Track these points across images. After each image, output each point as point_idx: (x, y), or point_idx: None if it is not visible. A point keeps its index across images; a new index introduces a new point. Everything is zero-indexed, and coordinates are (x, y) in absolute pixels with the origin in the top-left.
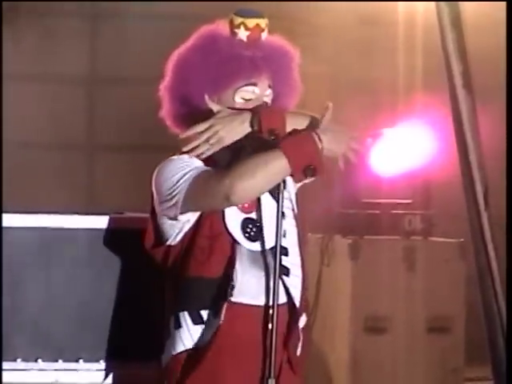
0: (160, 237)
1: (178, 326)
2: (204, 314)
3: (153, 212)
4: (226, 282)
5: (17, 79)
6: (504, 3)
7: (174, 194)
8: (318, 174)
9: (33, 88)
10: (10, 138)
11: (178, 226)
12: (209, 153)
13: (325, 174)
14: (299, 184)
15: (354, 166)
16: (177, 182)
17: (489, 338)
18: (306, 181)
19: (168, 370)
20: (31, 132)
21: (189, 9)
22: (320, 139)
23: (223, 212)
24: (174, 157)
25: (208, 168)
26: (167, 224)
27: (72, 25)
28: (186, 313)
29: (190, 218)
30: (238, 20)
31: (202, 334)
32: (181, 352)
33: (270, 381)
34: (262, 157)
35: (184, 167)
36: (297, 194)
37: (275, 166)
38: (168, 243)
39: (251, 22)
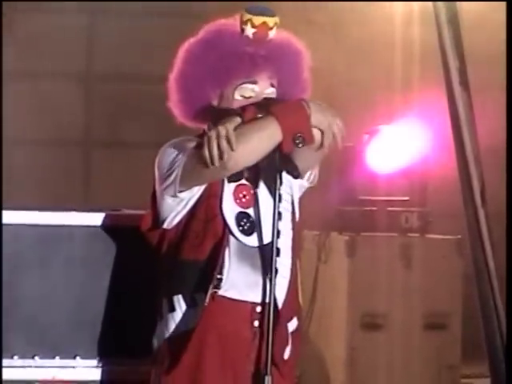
0: (157, 220)
1: (172, 309)
2: (198, 297)
3: (153, 195)
4: (215, 267)
5: (14, 76)
6: (503, 3)
7: (173, 169)
8: (306, 142)
9: (29, 85)
10: (7, 135)
11: (177, 209)
12: (233, 141)
13: (312, 143)
14: (304, 188)
15: (350, 162)
16: (176, 157)
17: (485, 335)
18: (312, 185)
19: (160, 353)
20: (28, 129)
21: (187, 6)
22: (309, 106)
23: (220, 198)
24: (179, 139)
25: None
26: (166, 206)
27: (69, 21)
28: (180, 296)
29: (189, 197)
30: (246, 17)
31: (197, 318)
32: (174, 335)
33: (266, 378)
34: (255, 123)
35: (184, 145)
36: (300, 199)
37: (269, 131)
38: (164, 226)
39: (258, 20)
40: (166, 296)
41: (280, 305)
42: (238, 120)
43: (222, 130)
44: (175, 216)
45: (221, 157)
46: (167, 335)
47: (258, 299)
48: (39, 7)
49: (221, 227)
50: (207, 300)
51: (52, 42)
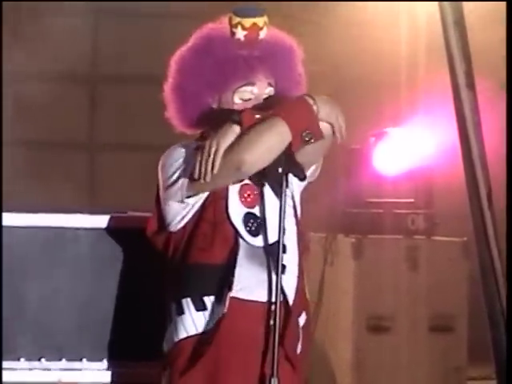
0: (162, 223)
1: (181, 312)
2: (207, 300)
3: (157, 198)
4: (228, 271)
5: (17, 77)
6: (504, 3)
7: (179, 174)
8: (315, 138)
9: (34, 86)
10: (12, 137)
11: (182, 212)
12: (216, 164)
13: (321, 138)
14: (304, 184)
15: (356, 164)
16: (181, 162)
17: (492, 337)
18: (311, 180)
19: (170, 356)
20: (32, 130)
21: (190, 7)
22: (315, 100)
23: (226, 201)
24: (181, 143)
25: None
26: (172, 210)
27: (73, 23)
28: (188, 299)
29: (196, 202)
30: (236, 20)
31: (206, 321)
32: (183, 338)
33: (273, 380)
34: (262, 125)
35: (188, 150)
36: (301, 194)
37: (277, 131)
38: (171, 230)
39: (248, 22)
40: (174, 299)
41: (291, 301)
42: (237, 129)
43: (212, 146)
44: (181, 219)
45: (204, 177)
46: (176, 339)
47: (271, 298)
48: (43, 8)
49: (230, 230)
50: (226, 305)
51: (56, 43)
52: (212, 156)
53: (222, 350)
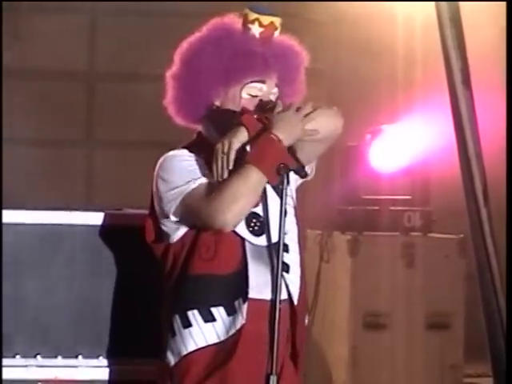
0: (159, 233)
1: (188, 324)
2: (215, 311)
3: (152, 207)
4: (238, 280)
5: (16, 75)
6: (503, 3)
7: (169, 199)
8: (290, 167)
9: (32, 84)
10: (9, 135)
11: (178, 223)
12: (231, 158)
13: (297, 163)
14: (300, 181)
15: (352, 161)
16: (171, 190)
17: (488, 335)
18: (308, 178)
19: (179, 369)
20: (30, 128)
21: (189, 6)
22: (276, 134)
23: None
24: (175, 152)
25: (200, 184)
26: (167, 222)
27: (71, 20)
28: (195, 311)
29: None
30: (253, 16)
31: (215, 332)
32: (193, 351)
33: (272, 377)
34: (238, 178)
35: (182, 172)
36: (297, 191)
37: (253, 181)
38: (168, 241)
39: (266, 20)
40: (178, 312)
41: (296, 301)
42: (243, 131)
43: (225, 145)
44: (177, 230)
45: (221, 175)
46: (185, 352)
47: (274, 297)
48: (41, 7)
49: (233, 237)
50: (244, 315)
51: (54, 41)
52: (226, 151)
53: (235, 349)
